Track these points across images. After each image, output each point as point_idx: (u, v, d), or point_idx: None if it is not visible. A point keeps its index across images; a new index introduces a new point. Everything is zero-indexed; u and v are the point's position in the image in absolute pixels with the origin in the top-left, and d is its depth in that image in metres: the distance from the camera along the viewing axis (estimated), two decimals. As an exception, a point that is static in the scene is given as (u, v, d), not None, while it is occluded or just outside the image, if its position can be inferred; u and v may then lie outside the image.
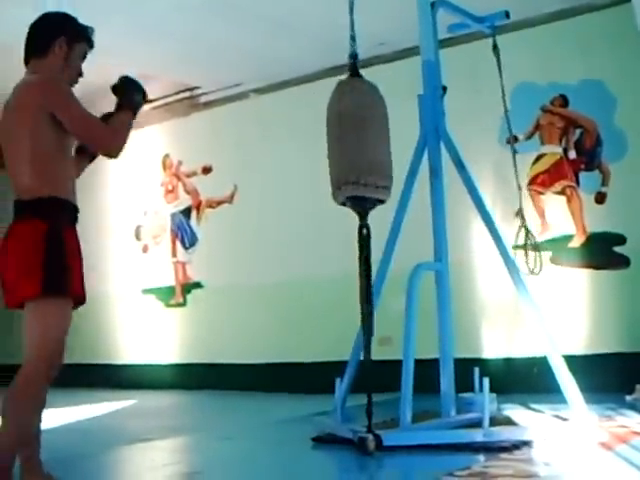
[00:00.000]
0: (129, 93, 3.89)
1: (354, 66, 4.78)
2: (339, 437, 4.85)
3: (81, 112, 3.72)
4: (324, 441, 4.93)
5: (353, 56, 4.79)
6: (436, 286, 5.25)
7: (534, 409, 5.93)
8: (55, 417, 7.37)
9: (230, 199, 9.70)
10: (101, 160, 11.14)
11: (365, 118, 4.63)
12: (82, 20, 7.15)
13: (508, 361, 7.37)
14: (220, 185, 9.77)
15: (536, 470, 3.93)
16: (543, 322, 5.06)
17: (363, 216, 4.64)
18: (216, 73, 9.42)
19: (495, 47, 5.90)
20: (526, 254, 6.26)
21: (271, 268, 9.21)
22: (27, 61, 3.88)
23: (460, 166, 5.29)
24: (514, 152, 6.07)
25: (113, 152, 3.81)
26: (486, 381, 4.62)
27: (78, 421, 7.17)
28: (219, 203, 9.86)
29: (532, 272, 6.20)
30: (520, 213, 6.20)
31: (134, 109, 3.88)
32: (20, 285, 3.61)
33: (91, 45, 4.02)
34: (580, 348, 6.90)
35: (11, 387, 3.56)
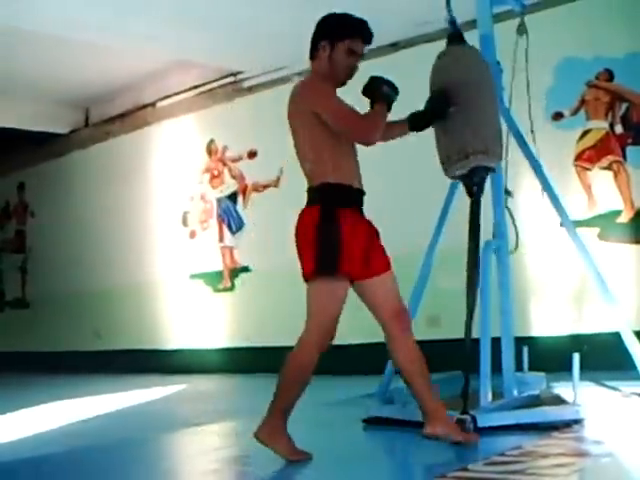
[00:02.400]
0: (378, 88, 4.17)
1: (457, 29, 4.80)
2: (390, 419, 4.86)
3: (337, 108, 4.05)
4: (374, 423, 4.94)
5: (452, 22, 4.82)
6: (497, 264, 5.17)
7: (586, 387, 5.88)
8: (108, 402, 7.48)
9: (276, 183, 9.71)
10: (146, 148, 11.16)
11: (488, 83, 4.66)
12: (124, 7, 7.19)
13: (557, 339, 7.30)
14: (266, 169, 9.79)
15: (587, 448, 3.92)
16: (610, 295, 5.08)
17: (479, 188, 4.61)
18: (259, 57, 9.43)
19: (520, 26, 5.64)
20: None
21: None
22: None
23: (521, 141, 5.24)
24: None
25: (370, 141, 4.11)
26: (576, 356, 4.54)
27: (130, 406, 7.26)
28: (265, 187, 9.89)
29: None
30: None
31: (387, 100, 4.15)
32: (303, 265, 4.13)
33: (366, 39, 4.20)
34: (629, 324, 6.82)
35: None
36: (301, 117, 4.12)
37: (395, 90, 4.19)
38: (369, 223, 4.16)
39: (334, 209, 4.01)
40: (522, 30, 5.43)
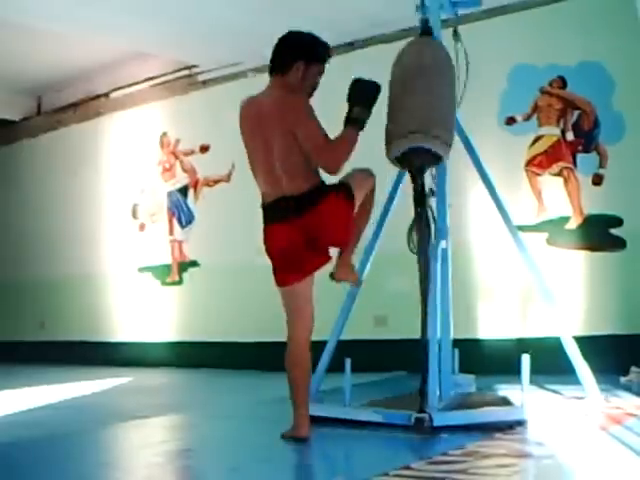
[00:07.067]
0: (357, 101, 4.36)
1: (427, 25, 4.98)
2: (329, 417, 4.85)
3: (315, 132, 4.29)
4: (315, 421, 4.93)
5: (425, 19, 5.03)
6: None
7: (530, 390, 5.93)
8: (50, 394, 7.40)
9: (227, 178, 9.68)
10: (98, 138, 11.02)
11: (444, 71, 4.73)
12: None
13: (503, 342, 7.36)
14: (217, 164, 9.74)
15: (529, 450, 3.95)
16: (552, 300, 5.12)
17: (419, 173, 4.59)
18: (215, 52, 9.39)
19: (455, 33, 5.62)
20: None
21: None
22: (270, 73, 4.55)
23: (468, 144, 5.26)
24: None
25: (332, 171, 4.32)
26: (526, 358, 4.55)
27: (73, 398, 7.19)
28: (216, 182, 9.85)
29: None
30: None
31: (361, 124, 4.33)
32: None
33: (325, 62, 4.54)
34: (575, 329, 6.89)
35: None
36: (282, 130, 4.33)
37: (377, 89, 4.39)
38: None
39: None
40: (456, 38, 5.44)
